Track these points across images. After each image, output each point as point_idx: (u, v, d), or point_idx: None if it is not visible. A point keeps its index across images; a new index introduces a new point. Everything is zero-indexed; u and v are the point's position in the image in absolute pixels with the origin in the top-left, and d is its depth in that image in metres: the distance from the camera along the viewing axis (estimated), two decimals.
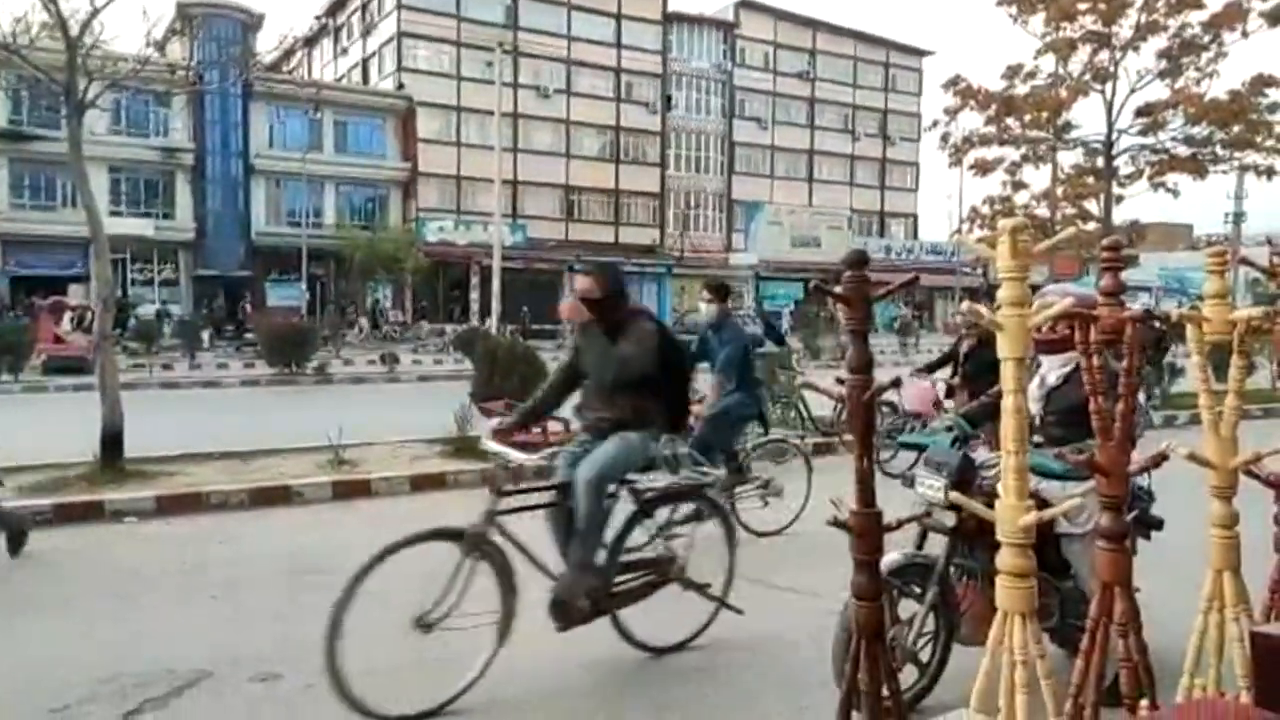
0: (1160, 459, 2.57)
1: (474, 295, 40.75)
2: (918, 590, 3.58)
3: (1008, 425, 2.22)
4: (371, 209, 41.01)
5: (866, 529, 2.36)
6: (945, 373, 8.77)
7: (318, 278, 38.30)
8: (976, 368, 7.60)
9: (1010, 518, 2.20)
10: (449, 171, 41.58)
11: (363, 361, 24.60)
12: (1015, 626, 2.17)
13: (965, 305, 2.35)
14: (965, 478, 3.50)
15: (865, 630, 2.34)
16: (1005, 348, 2.22)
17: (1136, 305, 2.94)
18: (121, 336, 24.15)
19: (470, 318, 38.68)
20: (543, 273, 42.08)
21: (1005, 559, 2.21)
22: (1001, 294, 2.25)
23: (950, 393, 8.08)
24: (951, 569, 3.62)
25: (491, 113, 30.60)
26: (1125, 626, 2.35)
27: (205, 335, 28.75)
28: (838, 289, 2.48)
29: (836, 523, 2.40)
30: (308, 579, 5.60)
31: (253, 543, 6.54)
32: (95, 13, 8.18)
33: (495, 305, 24.95)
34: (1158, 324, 2.79)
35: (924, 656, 3.61)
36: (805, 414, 10.53)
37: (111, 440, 8.19)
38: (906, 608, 3.64)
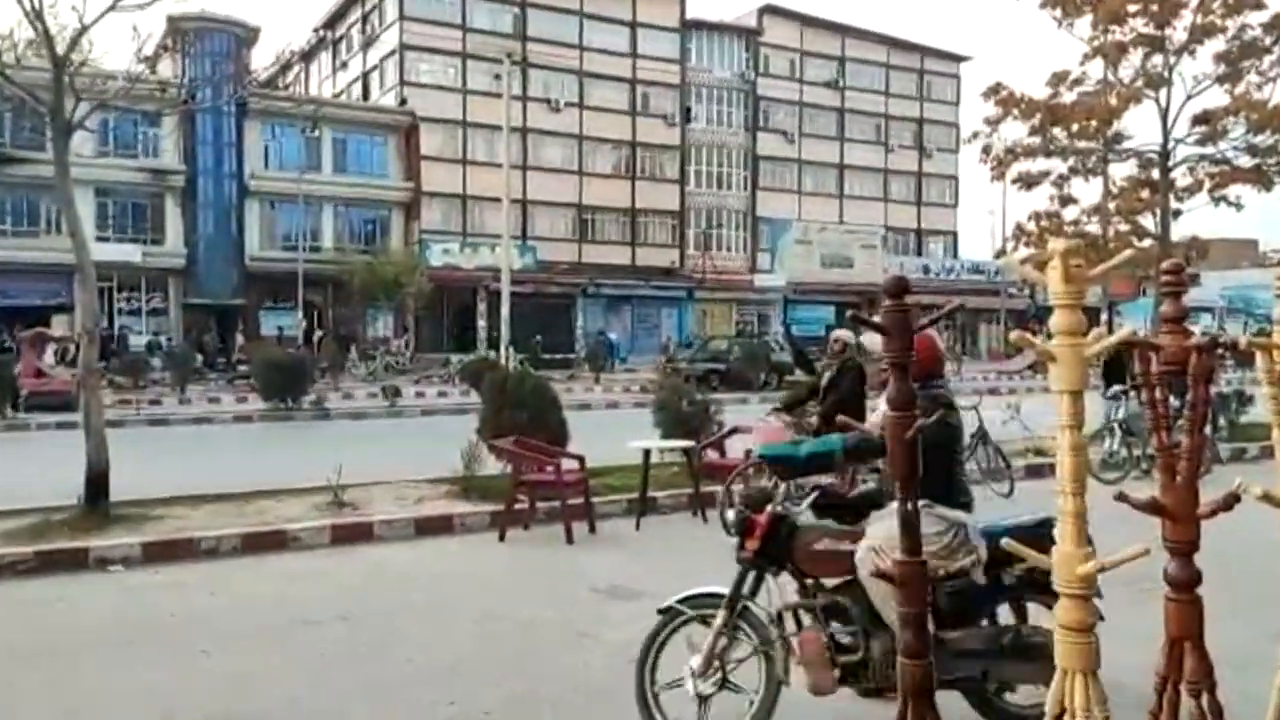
0: (1232, 500, 2.53)
1: (481, 322, 40.91)
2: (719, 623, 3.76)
3: (1066, 464, 2.20)
4: (372, 231, 41.41)
5: (913, 579, 2.34)
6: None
7: (314, 305, 38.64)
8: (832, 405, 7.59)
9: (1068, 566, 2.18)
10: (454, 191, 41.98)
11: (363, 395, 24.72)
12: (1077, 686, 2.14)
13: (1015, 335, 2.34)
14: (759, 508, 3.79)
15: (914, 690, 2.31)
16: (1061, 380, 2.20)
17: (1198, 329, 2.92)
18: (107, 370, 24.40)
19: (477, 346, 38.86)
20: (555, 297, 42.25)
21: (1065, 612, 2.18)
22: (1054, 322, 2.23)
23: (818, 431, 7.88)
24: (797, 611, 3.80)
25: (499, 128, 30.92)
26: (1197, 685, 2.30)
27: (196, 368, 28.98)
28: (875, 318, 2.47)
29: (880, 573, 2.38)
30: (306, 632, 5.59)
31: (246, 592, 6.55)
32: (84, 29, 8.34)
33: (504, 333, 25.03)
34: (1223, 352, 2.76)
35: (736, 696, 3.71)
36: None
37: (96, 482, 8.23)
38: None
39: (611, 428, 11.63)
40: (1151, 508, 2.43)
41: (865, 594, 3.62)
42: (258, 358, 22.76)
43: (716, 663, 3.73)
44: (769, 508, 3.85)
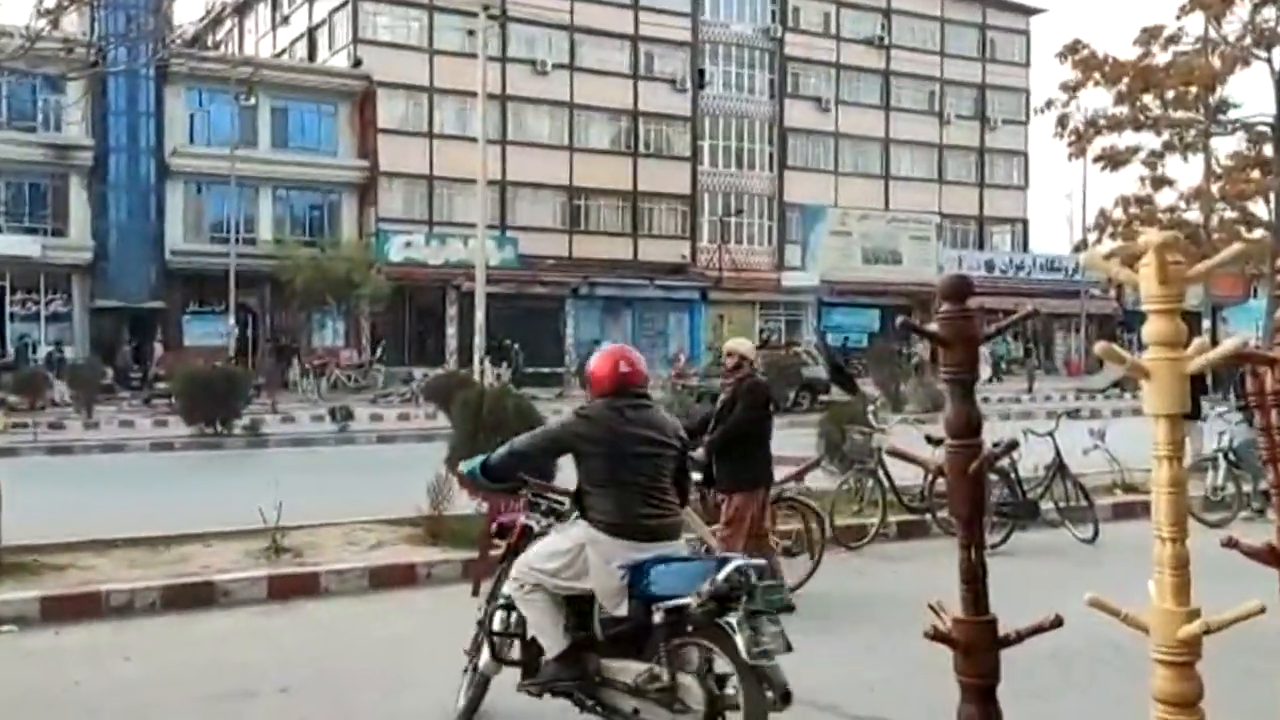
0: None
1: (451, 330, 40.94)
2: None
3: (1163, 503, 2.20)
4: (319, 220, 41.49)
5: (978, 643, 2.33)
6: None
7: (249, 309, 38.70)
8: (722, 435, 7.73)
9: (1168, 627, 2.17)
10: (418, 171, 42.08)
11: (307, 418, 24.75)
12: None
13: (1100, 346, 2.34)
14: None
15: None
16: (1156, 401, 2.20)
17: None
18: None
19: (446, 359, 38.83)
20: (540, 300, 42.28)
21: (1164, 684, 2.17)
22: (1147, 331, 2.23)
23: (707, 467, 7.79)
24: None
25: (473, 94, 31.01)
26: None
27: (105, 384, 29.01)
28: (932, 326, 2.47)
29: (937, 635, 2.37)
30: (239, 706, 5.58)
31: (167, 657, 6.53)
32: None
33: (479, 342, 25.09)
34: None
35: None
36: (887, 484, 10.47)
37: None
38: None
39: None
40: (1268, 556, 2.43)
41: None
42: (180, 373, 22.77)
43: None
44: (520, 518, 5.23)
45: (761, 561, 4.69)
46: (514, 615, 5.03)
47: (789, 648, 4.27)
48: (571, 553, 4.76)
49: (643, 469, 4.76)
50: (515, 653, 5.07)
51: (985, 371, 42.24)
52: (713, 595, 4.25)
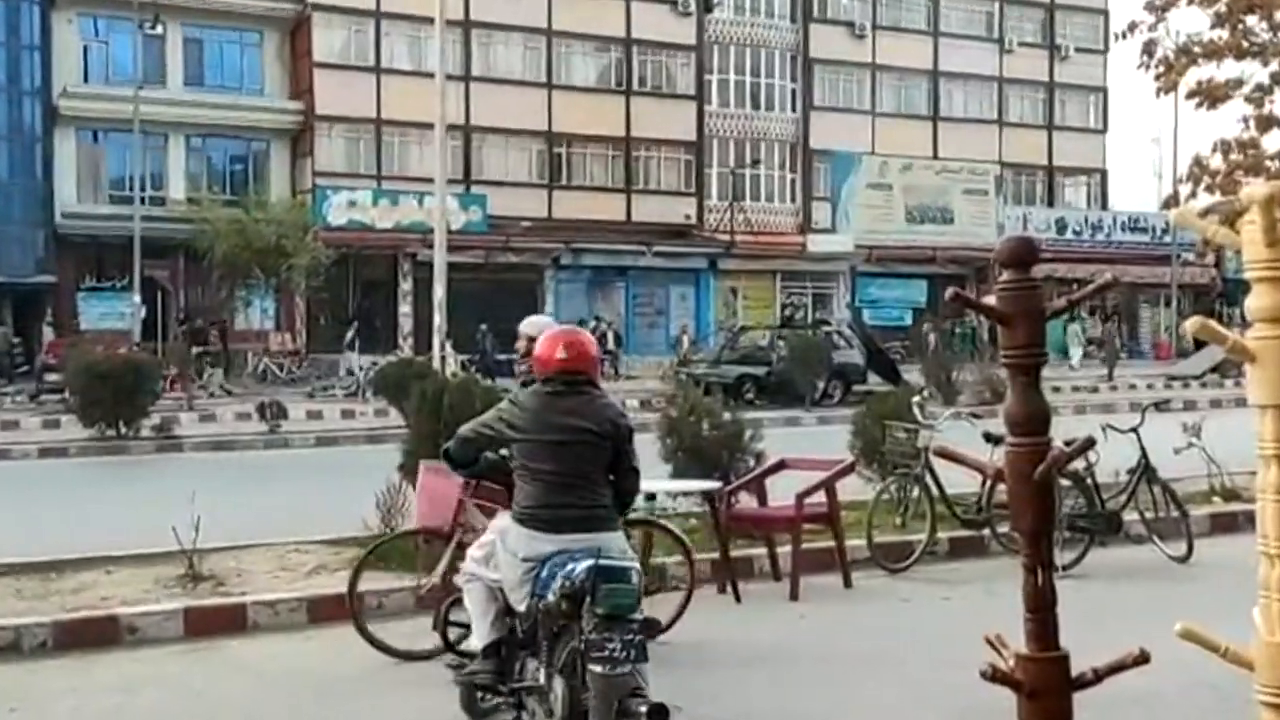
0: None
1: (405, 309, 40.89)
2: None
3: (1271, 513, 2.20)
4: (242, 174, 41.47)
5: (1046, 684, 2.34)
6: None
7: (158, 284, 38.65)
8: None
9: (1277, 665, 2.17)
10: (363, 114, 41.99)
11: (231, 416, 24.75)
12: None
13: (1194, 322, 2.34)
14: None
15: None
16: (1262, 389, 2.20)
17: None
18: None
19: (399, 344, 38.79)
20: (515, 271, 42.23)
21: None
22: (1252, 304, 2.24)
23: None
24: None
25: (429, 20, 30.88)
26: None
27: None
28: (988, 299, 2.48)
29: (997, 675, 2.38)
30: None
31: (60, 709, 6.51)
32: None
33: (439, 323, 25.03)
34: None
35: None
36: (936, 492, 10.47)
37: None
38: None
39: None
40: None
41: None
42: (75, 363, 22.68)
43: None
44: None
45: (625, 563, 5.09)
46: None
47: (638, 657, 4.76)
48: (491, 543, 5.62)
49: (562, 457, 5.33)
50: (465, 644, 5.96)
51: (1076, 353, 42.47)
52: (564, 595, 4.87)
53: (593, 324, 40.39)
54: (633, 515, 8.35)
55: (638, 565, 5.31)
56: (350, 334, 36.15)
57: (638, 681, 4.75)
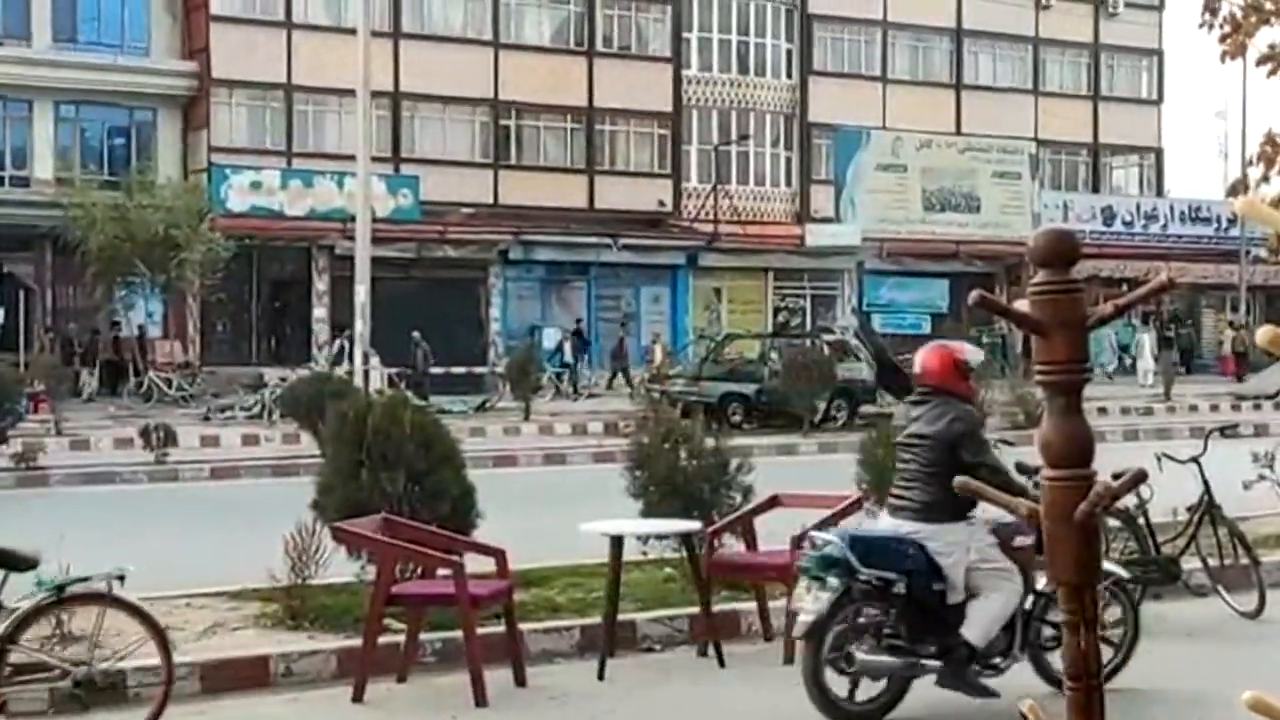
0: None
1: (319, 312, 40.78)
2: None
3: None
4: (123, 150, 41.28)
5: None
6: None
7: (20, 282, 38.47)
8: None
9: None
10: (270, 78, 41.87)
11: (109, 442, 24.64)
12: None
13: (1263, 332, 2.36)
14: None
15: None
16: None
17: None
18: None
19: (313, 355, 38.68)
20: (453, 267, 42.20)
21: None
22: None
23: None
24: None
25: None
26: None
27: None
28: (1020, 304, 2.49)
29: None
30: None
31: None
32: None
33: (361, 330, 25.02)
34: None
35: None
36: None
37: None
38: None
39: (554, 498, 11.60)
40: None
41: None
42: None
43: None
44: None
45: None
46: None
47: None
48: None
49: None
50: None
51: (1145, 366, 42.14)
52: None
53: (551, 331, 40.50)
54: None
55: None
56: (338, 346, 35.12)
57: None
